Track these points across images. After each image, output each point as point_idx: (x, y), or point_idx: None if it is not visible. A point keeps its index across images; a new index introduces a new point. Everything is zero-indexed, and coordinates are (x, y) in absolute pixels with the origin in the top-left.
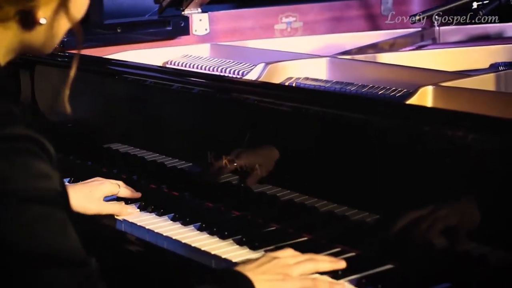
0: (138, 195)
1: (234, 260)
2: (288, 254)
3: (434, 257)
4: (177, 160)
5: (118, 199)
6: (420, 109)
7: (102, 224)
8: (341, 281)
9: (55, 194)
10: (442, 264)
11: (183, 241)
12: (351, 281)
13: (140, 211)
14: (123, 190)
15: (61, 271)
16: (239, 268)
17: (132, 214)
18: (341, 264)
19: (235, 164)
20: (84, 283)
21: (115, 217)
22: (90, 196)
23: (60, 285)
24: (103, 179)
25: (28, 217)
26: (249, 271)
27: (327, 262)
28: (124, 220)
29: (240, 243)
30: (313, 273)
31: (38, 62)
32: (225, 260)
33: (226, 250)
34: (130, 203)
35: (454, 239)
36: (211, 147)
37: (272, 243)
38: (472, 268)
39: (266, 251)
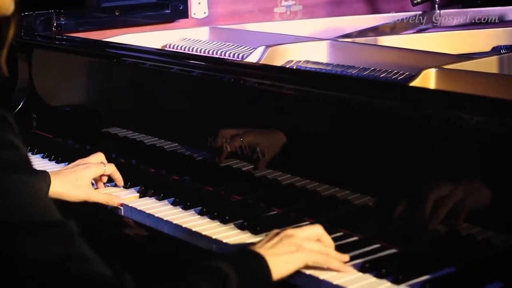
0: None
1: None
2: (299, 230)
3: (438, 241)
4: (176, 144)
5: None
6: (424, 91)
7: (102, 209)
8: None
9: (26, 162)
10: (446, 248)
11: (184, 225)
12: (354, 266)
13: (140, 195)
14: (109, 167)
15: (41, 234)
16: (250, 247)
17: (126, 200)
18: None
19: (236, 147)
20: (65, 243)
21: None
22: (77, 184)
23: (41, 248)
24: (87, 160)
25: (3, 187)
26: (259, 249)
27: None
28: (124, 205)
29: (241, 227)
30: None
31: (36, 46)
32: (226, 244)
33: (228, 234)
34: (130, 187)
35: (458, 223)
36: (211, 130)
37: (274, 227)
38: (477, 252)
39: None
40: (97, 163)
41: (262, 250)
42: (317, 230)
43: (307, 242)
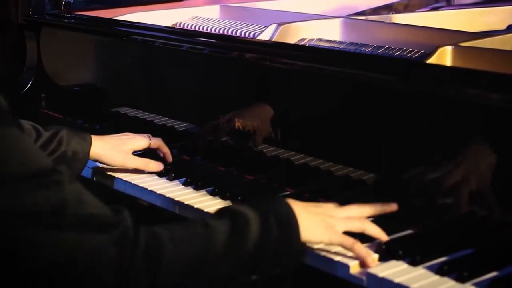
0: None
1: None
2: (333, 207)
3: (456, 222)
4: (187, 123)
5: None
6: (441, 68)
7: (114, 191)
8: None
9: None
10: (464, 229)
11: (196, 206)
12: (370, 247)
13: (151, 175)
14: (155, 140)
15: (31, 182)
16: (287, 200)
17: (137, 181)
18: (385, 236)
19: (248, 127)
20: (58, 189)
21: (125, 180)
22: (118, 148)
23: (35, 196)
24: (134, 134)
25: None
26: (296, 206)
27: (375, 227)
28: (134, 185)
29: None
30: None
31: (45, 24)
32: None
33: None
34: None
35: (476, 203)
36: (222, 109)
37: None
38: (495, 233)
39: None
40: (142, 136)
41: (298, 209)
42: (361, 211)
43: (341, 223)
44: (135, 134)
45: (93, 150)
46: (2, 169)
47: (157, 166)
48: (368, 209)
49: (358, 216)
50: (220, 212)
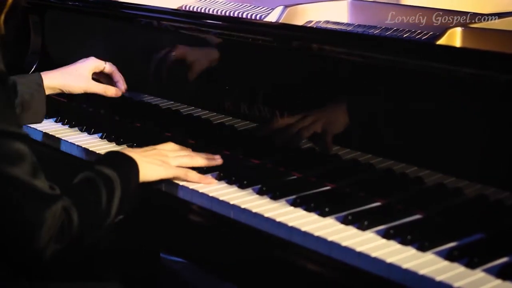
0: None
1: (254, 210)
2: (169, 148)
3: (465, 206)
4: (192, 107)
5: None
6: (451, 49)
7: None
8: (367, 232)
9: None
10: (474, 213)
11: (201, 190)
12: (378, 232)
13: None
14: (109, 65)
15: None
16: (124, 151)
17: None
18: (217, 161)
19: (254, 110)
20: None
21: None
22: (77, 74)
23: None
24: (84, 59)
25: None
26: (132, 153)
27: (202, 159)
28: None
29: (260, 192)
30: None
31: (49, 7)
32: (245, 210)
33: (246, 199)
34: None
35: (485, 187)
36: (228, 92)
37: (294, 192)
38: (506, 217)
39: (287, 200)
40: (96, 59)
41: (134, 154)
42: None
43: (173, 160)
44: (85, 59)
45: (53, 83)
46: None
47: (116, 91)
48: (195, 154)
49: (187, 154)
50: (96, 172)
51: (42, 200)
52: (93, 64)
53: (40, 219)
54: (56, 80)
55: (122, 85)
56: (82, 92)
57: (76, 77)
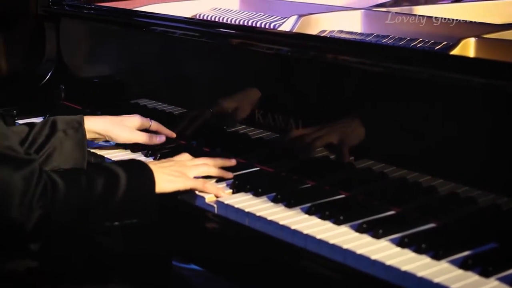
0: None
1: (269, 218)
2: (185, 158)
3: (479, 216)
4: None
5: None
6: (465, 60)
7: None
8: (381, 240)
9: None
10: (488, 223)
11: (216, 198)
12: (392, 240)
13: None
14: (155, 123)
15: None
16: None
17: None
18: (231, 163)
19: (268, 118)
20: None
21: None
22: (122, 124)
23: None
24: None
25: None
26: (150, 164)
27: (218, 169)
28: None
29: (275, 200)
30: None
31: (64, 15)
32: (260, 217)
33: (261, 207)
34: (159, 158)
35: (498, 197)
36: (242, 101)
37: (308, 200)
38: None
39: (302, 208)
40: (141, 117)
41: (152, 165)
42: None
43: (191, 170)
44: (131, 115)
45: (98, 127)
46: None
47: (160, 139)
48: (211, 160)
49: (204, 163)
50: (98, 168)
51: (10, 164)
52: (139, 121)
53: (10, 184)
54: (100, 125)
55: (173, 135)
56: (125, 141)
57: (122, 126)
